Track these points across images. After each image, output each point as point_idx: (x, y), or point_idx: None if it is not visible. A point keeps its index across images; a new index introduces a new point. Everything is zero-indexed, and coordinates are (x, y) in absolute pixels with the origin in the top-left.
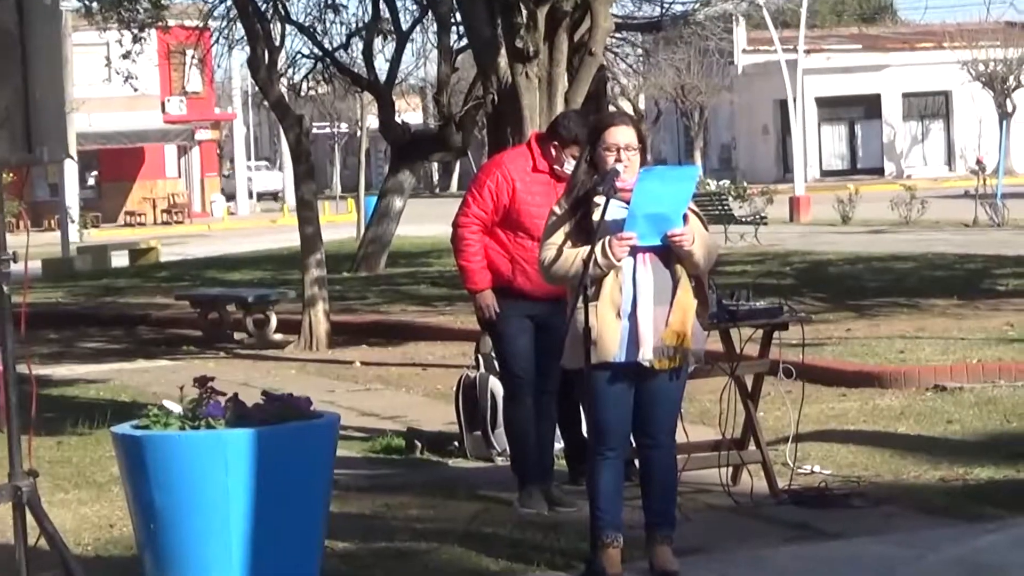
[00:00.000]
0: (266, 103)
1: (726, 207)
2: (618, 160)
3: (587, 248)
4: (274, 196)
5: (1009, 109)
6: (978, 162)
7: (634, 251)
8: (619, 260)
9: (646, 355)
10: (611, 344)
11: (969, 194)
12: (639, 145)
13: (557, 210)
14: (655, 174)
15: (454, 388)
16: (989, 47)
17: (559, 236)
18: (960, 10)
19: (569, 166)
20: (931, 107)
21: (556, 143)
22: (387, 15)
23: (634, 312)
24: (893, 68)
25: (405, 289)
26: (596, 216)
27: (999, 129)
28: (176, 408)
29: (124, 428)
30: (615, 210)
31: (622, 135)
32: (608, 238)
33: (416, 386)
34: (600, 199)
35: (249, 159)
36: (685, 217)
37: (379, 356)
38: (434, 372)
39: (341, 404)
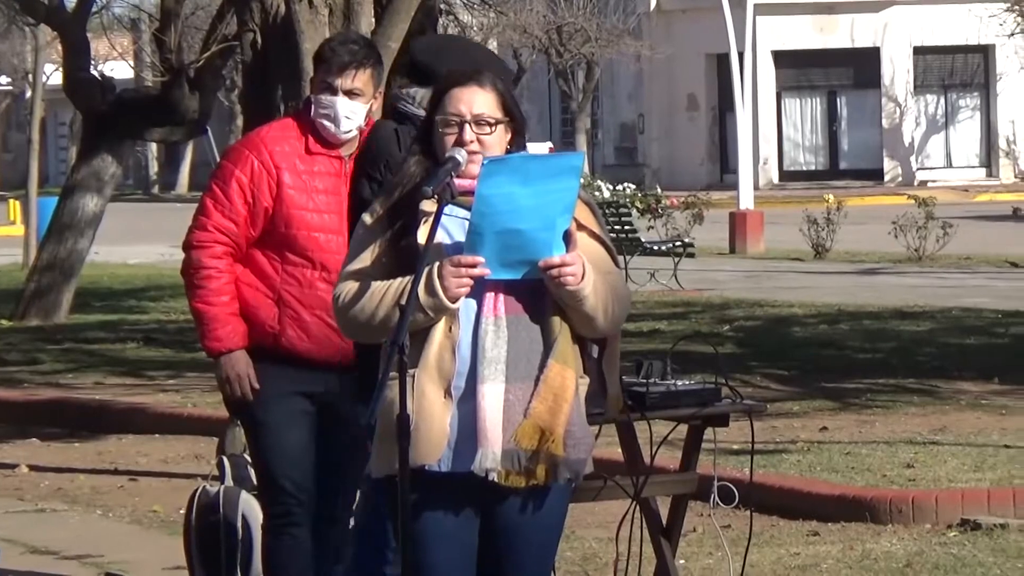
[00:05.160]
0: None
1: (628, 228)
2: (460, 142)
3: (405, 280)
4: None
5: None
6: None
7: (480, 289)
8: (454, 301)
9: (485, 463)
10: (433, 441)
11: (1020, 214)
12: (503, 117)
13: (367, 219)
14: (512, 164)
15: (183, 511)
16: None
17: (366, 260)
18: None
19: None
20: (961, 71)
21: None
22: None
23: (473, 390)
24: (900, 8)
25: (102, 349)
26: (423, 233)
27: None
28: None
29: None
30: (455, 223)
31: (469, 100)
32: (437, 264)
33: (120, 506)
34: (429, 205)
35: None
36: (568, 236)
37: (59, 457)
38: (149, 484)
39: None
